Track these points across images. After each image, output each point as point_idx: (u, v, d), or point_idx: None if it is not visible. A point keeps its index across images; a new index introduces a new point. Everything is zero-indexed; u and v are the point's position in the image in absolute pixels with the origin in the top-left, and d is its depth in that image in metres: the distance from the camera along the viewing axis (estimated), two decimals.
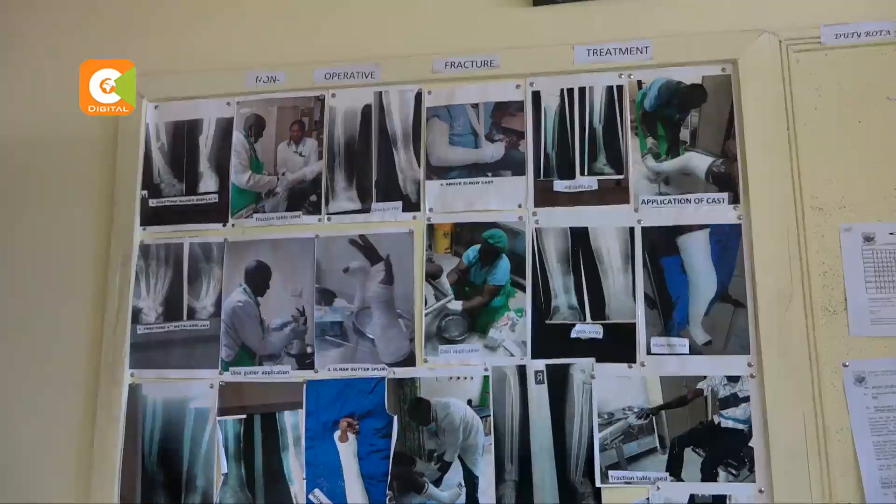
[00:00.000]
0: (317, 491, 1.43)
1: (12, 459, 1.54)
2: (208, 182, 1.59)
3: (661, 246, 1.40)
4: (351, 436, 1.43)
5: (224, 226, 1.56)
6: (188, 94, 1.61)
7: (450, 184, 1.49)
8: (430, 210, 1.49)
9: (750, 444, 1.31)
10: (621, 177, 1.44)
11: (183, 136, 1.61)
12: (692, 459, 1.33)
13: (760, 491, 1.29)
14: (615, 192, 1.44)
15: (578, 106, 1.48)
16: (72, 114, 1.58)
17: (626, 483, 1.34)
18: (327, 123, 1.56)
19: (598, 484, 1.34)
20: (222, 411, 1.48)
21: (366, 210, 1.51)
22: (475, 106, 1.51)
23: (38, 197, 1.64)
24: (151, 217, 1.59)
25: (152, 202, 1.60)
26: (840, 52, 1.40)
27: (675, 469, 1.33)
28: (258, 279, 1.52)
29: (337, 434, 1.44)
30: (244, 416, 1.48)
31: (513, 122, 1.49)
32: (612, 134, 1.46)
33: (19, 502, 1.51)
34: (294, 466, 1.44)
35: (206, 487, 1.46)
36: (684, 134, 1.43)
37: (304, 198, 1.54)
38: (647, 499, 1.32)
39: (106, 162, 1.62)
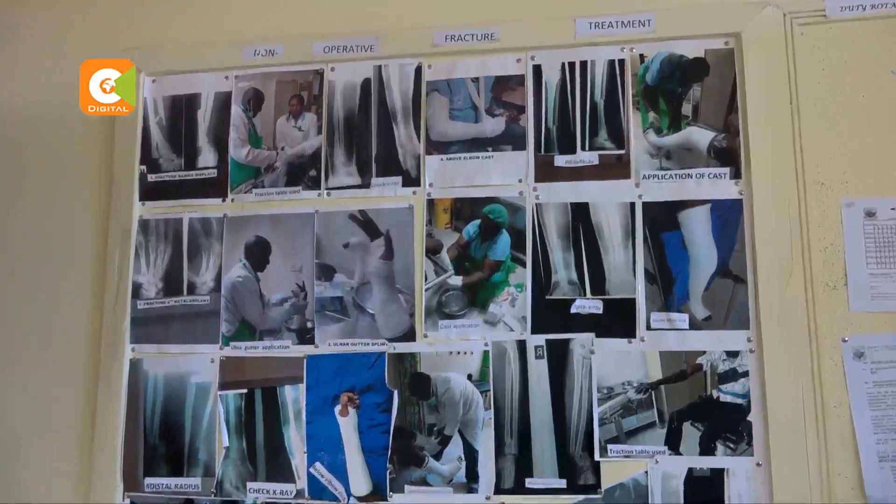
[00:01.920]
0: (318, 464, 1.44)
1: (14, 434, 1.55)
2: (207, 157, 1.58)
3: (661, 221, 1.40)
4: (351, 410, 1.44)
5: (223, 201, 1.55)
6: (186, 68, 1.60)
7: (450, 158, 1.48)
8: (430, 185, 1.48)
9: (748, 418, 1.31)
10: (622, 151, 1.43)
11: (181, 111, 1.60)
12: (691, 433, 1.33)
13: (758, 464, 1.30)
14: (616, 167, 1.43)
15: (580, 80, 1.47)
16: (69, 89, 1.57)
17: (625, 457, 1.35)
18: (326, 97, 1.55)
19: (597, 457, 1.35)
20: (223, 386, 1.49)
21: (365, 185, 1.51)
22: (475, 80, 1.50)
23: (36, 173, 1.64)
24: (150, 192, 1.58)
25: (151, 177, 1.59)
26: (844, 26, 1.38)
27: (673, 443, 1.33)
28: (258, 254, 1.52)
29: (337, 408, 1.44)
30: (245, 391, 1.48)
31: (513, 96, 1.48)
32: (614, 108, 1.45)
33: (21, 478, 1.53)
34: (295, 440, 1.45)
35: (207, 461, 1.47)
36: (686, 108, 1.42)
37: (303, 173, 1.53)
38: (646, 472, 1.33)
39: (104, 137, 1.61)
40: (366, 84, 1.54)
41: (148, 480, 1.49)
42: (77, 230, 1.59)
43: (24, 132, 1.65)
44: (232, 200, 1.55)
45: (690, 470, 1.32)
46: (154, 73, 1.61)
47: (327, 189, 1.52)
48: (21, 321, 1.59)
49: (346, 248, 1.49)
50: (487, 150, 1.47)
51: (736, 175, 1.38)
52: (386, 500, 1.40)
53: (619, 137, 1.44)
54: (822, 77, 1.37)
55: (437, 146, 1.49)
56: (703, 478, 1.32)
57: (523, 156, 1.46)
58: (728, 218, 1.37)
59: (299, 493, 1.43)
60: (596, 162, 1.44)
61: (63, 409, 1.54)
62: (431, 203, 1.47)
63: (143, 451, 1.50)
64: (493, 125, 1.48)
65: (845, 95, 1.36)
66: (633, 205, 1.41)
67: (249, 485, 1.45)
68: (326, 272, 1.49)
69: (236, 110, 1.58)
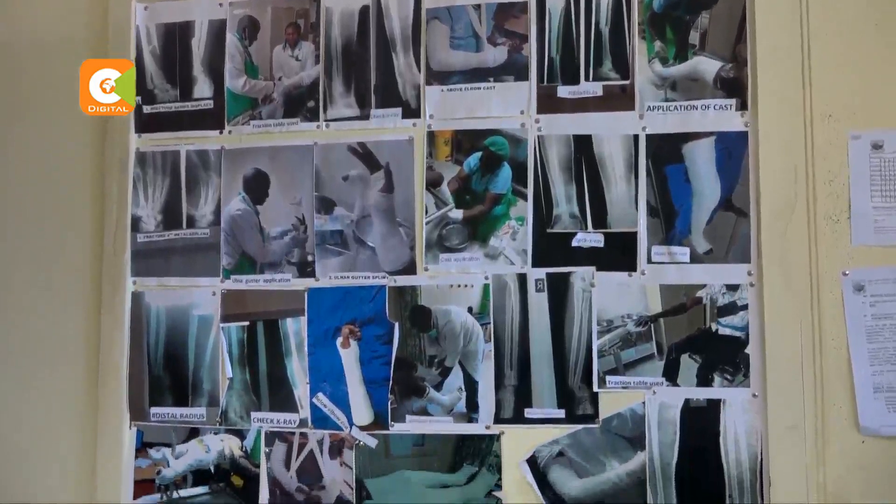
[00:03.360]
0: (320, 395, 1.46)
1: (20, 368, 1.56)
2: (203, 87, 1.55)
3: (665, 154, 1.38)
4: (353, 342, 1.45)
5: (221, 133, 1.53)
6: None
7: (451, 89, 1.45)
8: (431, 117, 1.46)
9: (746, 350, 1.32)
10: (627, 82, 1.40)
11: (174, 39, 1.56)
12: (688, 365, 1.35)
13: (754, 395, 1.32)
14: (620, 99, 1.40)
15: (584, 7, 1.42)
16: (63, 19, 1.54)
17: (623, 388, 1.36)
18: (324, 26, 1.51)
19: (595, 388, 1.37)
20: (225, 318, 1.50)
21: (364, 117, 1.48)
22: (477, 7, 1.46)
23: (29, 105, 1.60)
24: (146, 124, 1.56)
25: (147, 108, 1.56)
26: None
27: (671, 374, 1.35)
28: (257, 187, 1.51)
29: (339, 340, 1.46)
30: (247, 323, 1.49)
31: (516, 24, 1.44)
32: (619, 37, 1.41)
33: (29, 410, 1.55)
34: (297, 371, 1.47)
35: (212, 391, 1.50)
36: (693, 37, 1.38)
37: (301, 104, 1.51)
38: (643, 403, 1.35)
39: None
40: (364, 11, 1.49)
41: (154, 410, 1.51)
42: (75, 163, 1.57)
43: (19, 63, 1.61)
44: (229, 132, 1.53)
45: (687, 401, 1.34)
46: (146, 0, 1.56)
47: (326, 121, 1.49)
48: (22, 254, 1.58)
49: (345, 181, 1.48)
50: (489, 81, 1.44)
51: (742, 106, 1.36)
52: (388, 429, 1.43)
53: (623, 67, 1.40)
54: (834, 5, 1.33)
55: (438, 76, 1.46)
56: (700, 408, 1.34)
57: (525, 86, 1.43)
58: (732, 151, 1.35)
59: (303, 423, 1.46)
60: (600, 93, 1.41)
61: (67, 342, 1.55)
62: (432, 135, 1.45)
63: (148, 382, 1.52)
64: (494, 55, 1.44)
65: (858, 25, 1.32)
66: (636, 137, 1.39)
67: (253, 414, 1.48)
68: (326, 205, 1.48)
69: (231, 39, 1.54)
